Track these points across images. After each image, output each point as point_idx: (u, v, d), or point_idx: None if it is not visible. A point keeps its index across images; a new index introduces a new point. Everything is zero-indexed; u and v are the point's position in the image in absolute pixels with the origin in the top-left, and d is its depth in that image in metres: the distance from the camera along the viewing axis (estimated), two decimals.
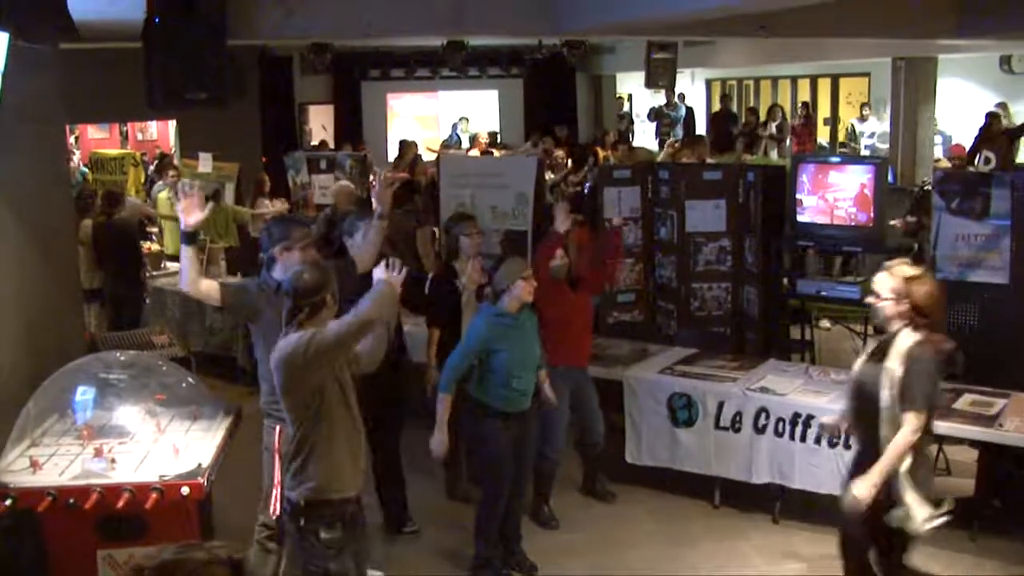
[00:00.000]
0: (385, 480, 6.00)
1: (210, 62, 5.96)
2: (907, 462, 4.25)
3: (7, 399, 5.12)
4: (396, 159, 15.44)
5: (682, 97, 18.75)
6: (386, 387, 5.54)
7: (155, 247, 10.41)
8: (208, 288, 4.86)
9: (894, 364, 4.26)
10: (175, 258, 10.20)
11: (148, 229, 11.12)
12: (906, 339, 4.29)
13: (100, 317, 8.95)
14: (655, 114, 18.68)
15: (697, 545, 5.94)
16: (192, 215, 4.74)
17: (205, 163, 11.55)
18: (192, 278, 4.79)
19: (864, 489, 4.21)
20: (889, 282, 4.34)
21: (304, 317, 4.09)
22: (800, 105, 17.25)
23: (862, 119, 15.33)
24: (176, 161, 12.97)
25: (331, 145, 16.72)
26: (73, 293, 6.88)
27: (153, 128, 18.84)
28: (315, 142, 17.69)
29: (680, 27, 8.94)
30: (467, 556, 5.66)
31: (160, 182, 12.02)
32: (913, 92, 13.73)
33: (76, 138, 18.37)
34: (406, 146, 15.40)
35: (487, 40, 15.61)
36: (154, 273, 9.97)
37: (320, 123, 19.04)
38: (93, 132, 18.81)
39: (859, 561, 4.55)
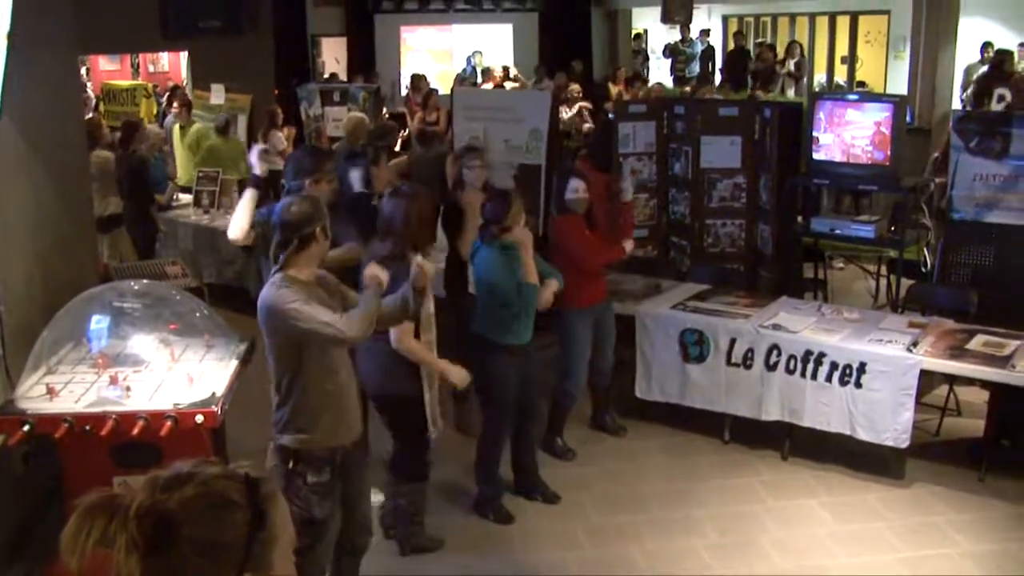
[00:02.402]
0: None
1: None
2: None
3: (22, 328, 5.14)
4: (411, 91, 15.34)
5: (705, 34, 18.47)
6: None
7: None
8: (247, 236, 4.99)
9: None
10: (187, 189, 10.24)
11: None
12: None
13: (113, 247, 8.96)
14: (670, 50, 18.43)
15: (707, 480, 5.98)
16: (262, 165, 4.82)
17: (217, 95, 11.55)
18: (243, 224, 4.86)
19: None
20: None
21: (293, 250, 3.95)
22: (767, 47, 16.90)
23: None
24: (188, 93, 12.90)
25: (343, 78, 16.58)
26: (87, 223, 6.87)
27: (165, 60, 18.66)
28: (327, 75, 17.55)
29: None
30: (468, 491, 5.72)
31: (171, 115, 11.99)
32: (934, 30, 13.50)
33: (88, 70, 18.24)
34: (418, 79, 15.31)
35: None
36: (172, 204, 9.97)
37: (333, 56, 18.85)
38: (105, 64, 18.65)
39: None
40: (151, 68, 19.00)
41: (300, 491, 3.99)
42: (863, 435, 5.77)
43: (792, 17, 18.09)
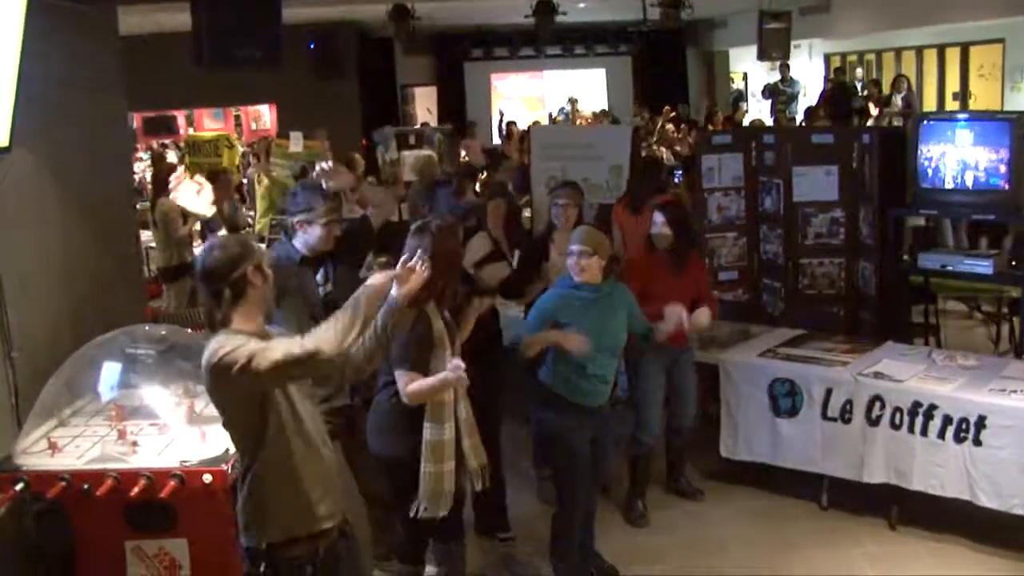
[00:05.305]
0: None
1: (261, 18, 5.51)
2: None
3: (44, 377, 4.79)
4: (505, 139, 15.11)
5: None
6: (484, 377, 4.65)
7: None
8: None
9: None
10: (262, 239, 10.06)
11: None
12: None
13: (179, 297, 8.72)
14: (769, 91, 17.75)
15: (801, 551, 5.28)
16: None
17: (296, 142, 11.60)
18: None
19: None
20: None
21: (229, 302, 3.18)
22: (872, 82, 16.21)
23: None
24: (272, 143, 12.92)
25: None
26: (132, 272, 6.58)
27: (267, 117, 18.93)
28: (418, 125, 17.47)
29: None
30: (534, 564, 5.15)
31: (251, 166, 12.06)
32: None
33: (193, 128, 18.60)
34: (511, 126, 15.09)
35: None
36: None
37: (425, 106, 18.78)
38: (209, 122, 18.99)
39: None
40: (254, 125, 19.29)
41: None
42: (985, 501, 4.99)
43: (897, 52, 17.20)
